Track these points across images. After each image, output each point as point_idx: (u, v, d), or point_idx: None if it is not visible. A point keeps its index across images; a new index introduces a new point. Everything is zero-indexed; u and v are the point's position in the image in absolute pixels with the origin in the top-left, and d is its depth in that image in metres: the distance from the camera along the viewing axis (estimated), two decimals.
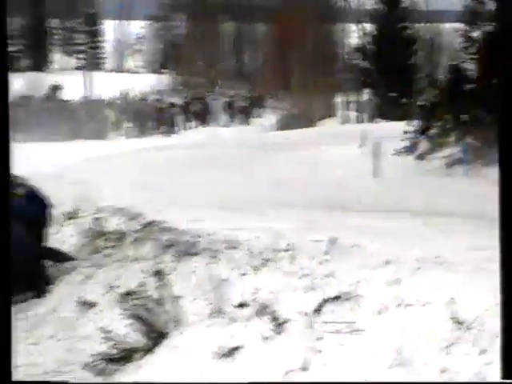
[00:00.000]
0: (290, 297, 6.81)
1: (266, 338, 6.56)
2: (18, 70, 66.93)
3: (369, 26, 46.80)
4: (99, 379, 6.63)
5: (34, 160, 19.76)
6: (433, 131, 19.73)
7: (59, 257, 9.95)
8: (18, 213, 9.53)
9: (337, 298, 6.69)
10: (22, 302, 9.10)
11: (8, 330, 4.27)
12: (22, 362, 7.03)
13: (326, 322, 6.46)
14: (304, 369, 6.05)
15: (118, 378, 6.46)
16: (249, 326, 6.77)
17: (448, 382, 5.59)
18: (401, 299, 6.38)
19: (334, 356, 6.10)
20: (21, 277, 9.40)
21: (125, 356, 6.90)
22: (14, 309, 8.83)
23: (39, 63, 73.70)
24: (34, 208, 9.80)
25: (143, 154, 16.08)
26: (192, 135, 33.05)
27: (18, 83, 43.32)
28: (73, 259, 9.91)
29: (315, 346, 6.23)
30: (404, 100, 35.32)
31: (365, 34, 46.88)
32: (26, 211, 9.67)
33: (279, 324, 6.67)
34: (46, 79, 46.53)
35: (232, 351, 6.49)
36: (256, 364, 6.27)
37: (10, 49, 71.92)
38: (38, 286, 9.23)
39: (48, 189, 11.31)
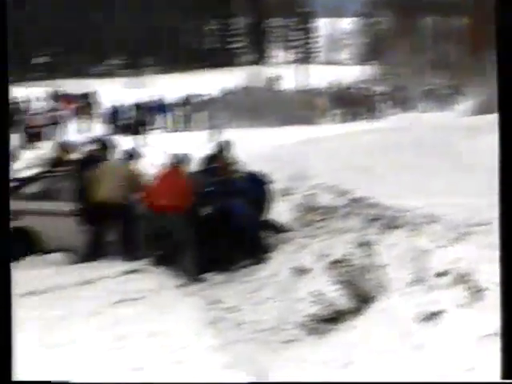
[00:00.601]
0: (487, 267, 6.60)
1: (464, 305, 6.41)
2: (241, 64, 68.81)
3: None
4: (312, 338, 6.72)
5: (254, 144, 20.24)
6: None
7: (277, 228, 10.16)
8: (240, 191, 9.87)
9: None
10: (245, 267, 9.40)
11: (9, 330, 4.08)
12: (249, 319, 7.27)
13: None
14: (496, 334, 5.86)
15: (330, 336, 6.51)
16: (447, 294, 6.64)
17: (448, 382, 5.27)
18: None
19: None
20: (245, 246, 9.72)
21: (335, 317, 6.95)
22: (239, 273, 9.18)
23: (259, 58, 75.33)
24: (255, 186, 10.07)
25: (351, 137, 16.04)
26: (395, 120, 32.59)
27: (241, 76, 44.50)
28: (289, 231, 10.09)
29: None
30: None
31: None
32: (248, 190, 9.96)
33: (476, 292, 6.50)
34: (266, 72, 47.47)
35: (432, 316, 6.39)
36: (454, 328, 6.15)
37: (235, 45, 73.42)
38: (259, 253, 9.47)
39: (267, 168, 11.56)
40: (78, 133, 28.39)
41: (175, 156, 9.85)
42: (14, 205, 10.38)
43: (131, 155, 10.54)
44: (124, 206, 9.76)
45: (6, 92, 4.11)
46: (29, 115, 29.78)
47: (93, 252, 9.73)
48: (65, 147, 11.28)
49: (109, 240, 9.82)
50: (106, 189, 9.74)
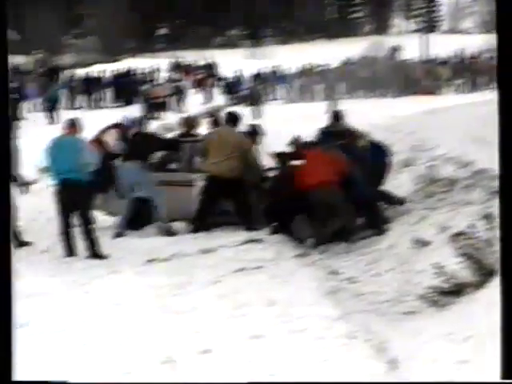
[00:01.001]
0: None
1: None
2: (361, 34, 67.96)
3: None
4: (432, 310, 6.61)
5: (374, 114, 19.99)
6: None
7: (392, 200, 10.03)
8: (361, 160, 9.78)
9: None
10: (364, 238, 9.34)
11: (9, 331, 4.01)
12: (367, 290, 7.23)
13: None
14: None
15: (451, 309, 6.39)
16: None
17: (448, 382, 4.96)
18: None
19: None
20: (366, 216, 9.66)
21: (456, 290, 6.81)
22: (358, 244, 9.13)
23: (381, 27, 74.17)
24: (376, 156, 9.96)
25: (473, 107, 15.58)
26: None
27: (361, 46, 43.97)
28: (404, 202, 9.94)
29: None
30: None
31: None
32: (369, 159, 9.86)
33: None
34: (387, 41, 46.70)
35: None
36: None
37: (355, 15, 72.41)
38: (378, 225, 9.39)
39: (387, 139, 11.40)
40: (199, 103, 28.82)
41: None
42: None
43: (255, 131, 10.61)
44: (240, 179, 9.80)
45: (6, 91, 4.10)
46: (152, 86, 30.41)
47: (203, 222, 9.87)
48: (190, 121, 11.45)
49: (226, 210, 9.95)
50: (221, 161, 9.79)
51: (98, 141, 10.52)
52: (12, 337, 3.97)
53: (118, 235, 9.86)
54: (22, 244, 9.45)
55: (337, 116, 11.19)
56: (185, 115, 13.24)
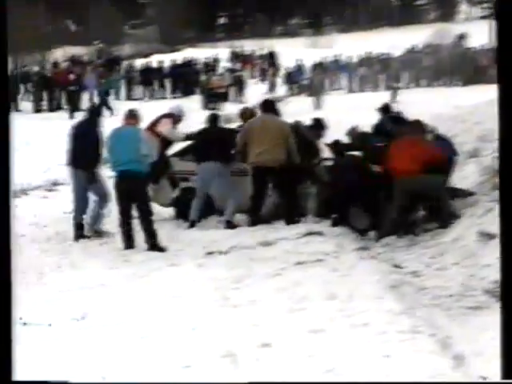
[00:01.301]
0: None
1: None
2: (427, 21, 67.08)
3: None
4: (498, 305, 6.50)
5: (439, 104, 19.76)
6: None
7: (460, 193, 9.89)
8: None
9: None
10: (428, 231, 9.24)
11: (8, 330, 3.96)
12: (431, 284, 7.15)
13: None
14: None
15: None
16: None
17: (447, 382, 4.82)
18: None
19: None
20: (433, 209, 9.57)
21: None
22: (421, 237, 9.03)
23: (447, 14, 73.05)
24: (441, 149, 9.83)
25: None
26: None
27: (427, 33, 43.44)
28: (471, 194, 9.79)
29: None
30: None
31: None
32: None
33: None
34: (453, 29, 46.02)
35: None
36: None
37: (420, 2, 71.35)
38: (443, 217, 9.28)
39: (451, 130, 11.26)
40: (260, 93, 28.81)
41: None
42: (182, 165, 10.79)
43: (318, 124, 10.58)
44: (287, 167, 9.77)
45: (6, 91, 4.14)
46: (211, 76, 30.52)
47: (257, 215, 9.88)
48: (249, 112, 11.47)
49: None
50: (266, 149, 9.76)
51: (150, 130, 10.61)
52: (12, 336, 3.98)
53: (191, 226, 9.95)
54: (85, 236, 9.66)
55: (386, 109, 11.14)
56: (243, 106, 13.23)
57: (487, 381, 4.84)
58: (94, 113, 10.19)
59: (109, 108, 24.47)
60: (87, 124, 9.92)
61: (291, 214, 9.80)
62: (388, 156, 9.43)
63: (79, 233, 9.64)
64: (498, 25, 3.79)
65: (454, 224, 8.87)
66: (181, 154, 10.85)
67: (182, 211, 10.40)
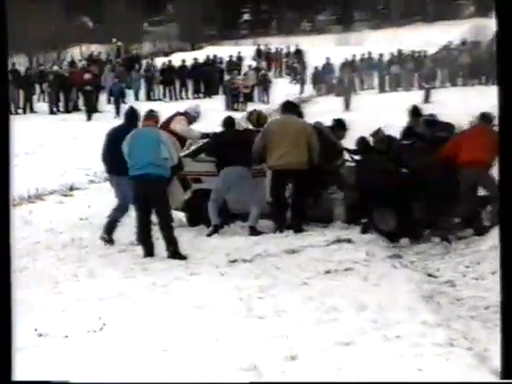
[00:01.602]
0: None
1: None
2: (463, 17, 66.74)
3: None
4: None
5: (474, 103, 19.63)
6: None
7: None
8: None
9: None
10: (464, 238, 9.20)
11: (8, 331, 3.94)
12: (467, 294, 7.10)
13: None
14: None
15: None
16: None
17: (447, 383, 4.82)
18: None
19: None
20: (465, 217, 9.52)
21: None
22: (456, 244, 8.98)
23: (484, 9, 72.62)
24: None
25: None
26: None
27: (463, 30, 43.19)
28: None
29: None
30: None
31: None
32: None
33: None
34: (491, 24, 45.71)
35: None
36: None
37: None
38: (477, 224, 9.24)
39: None
40: (286, 94, 28.81)
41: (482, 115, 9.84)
42: (195, 166, 10.81)
43: (340, 125, 10.58)
44: (308, 170, 9.76)
45: (6, 90, 4.11)
46: (235, 76, 30.54)
47: (281, 220, 9.89)
48: (256, 114, 11.50)
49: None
50: (286, 152, 9.76)
51: (164, 129, 10.62)
52: (12, 336, 3.98)
53: (215, 231, 9.96)
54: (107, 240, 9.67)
55: (416, 111, 11.12)
56: (256, 110, 13.19)
57: (487, 381, 4.83)
58: (132, 117, 9.95)
59: (117, 108, 24.59)
60: (125, 129, 9.59)
61: (299, 221, 9.80)
62: (452, 145, 9.43)
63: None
64: (498, 25, 3.78)
65: (491, 231, 8.82)
66: (193, 154, 10.85)
67: (194, 216, 10.40)
